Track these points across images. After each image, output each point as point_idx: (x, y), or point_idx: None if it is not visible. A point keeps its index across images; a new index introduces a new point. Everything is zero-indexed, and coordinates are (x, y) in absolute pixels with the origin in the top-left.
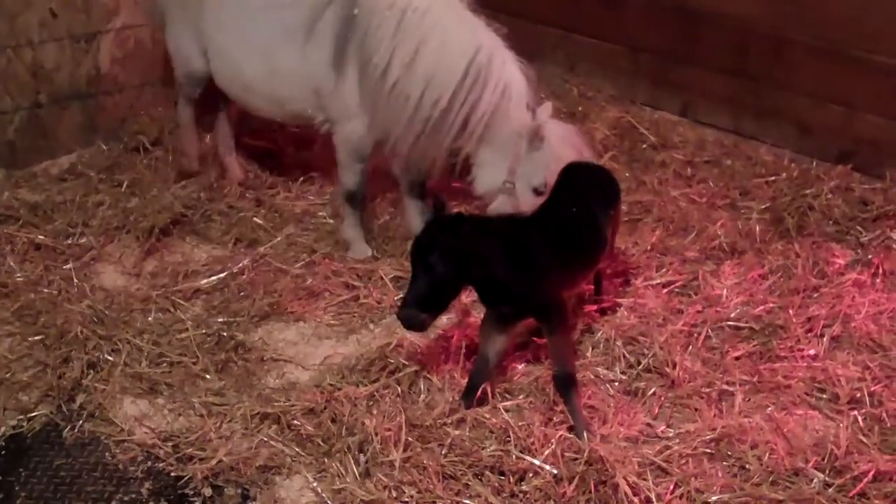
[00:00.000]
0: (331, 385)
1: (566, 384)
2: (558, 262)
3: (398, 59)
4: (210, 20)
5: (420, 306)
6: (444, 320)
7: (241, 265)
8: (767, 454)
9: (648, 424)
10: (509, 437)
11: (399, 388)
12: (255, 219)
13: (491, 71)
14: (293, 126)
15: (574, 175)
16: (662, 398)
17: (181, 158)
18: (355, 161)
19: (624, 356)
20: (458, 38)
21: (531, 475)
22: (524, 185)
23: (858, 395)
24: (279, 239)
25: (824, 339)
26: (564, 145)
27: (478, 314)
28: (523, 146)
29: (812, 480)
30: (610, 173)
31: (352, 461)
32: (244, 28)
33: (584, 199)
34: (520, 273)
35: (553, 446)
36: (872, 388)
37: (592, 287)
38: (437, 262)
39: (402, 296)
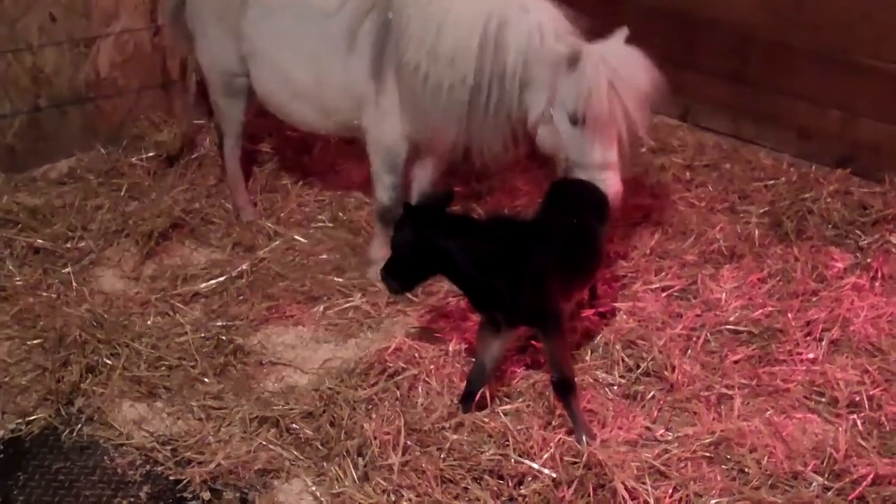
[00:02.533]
0: (329, 389)
1: (565, 390)
2: (556, 272)
3: (423, 50)
4: (254, 26)
5: (390, 271)
6: (443, 324)
7: (239, 269)
8: (766, 458)
9: (647, 428)
10: (508, 441)
11: (398, 392)
12: (253, 223)
13: (507, 33)
14: (336, 137)
15: (567, 190)
16: (661, 402)
17: (234, 212)
18: (389, 172)
19: (623, 360)
20: (468, 11)
21: (530, 479)
22: (561, 114)
23: (857, 398)
24: (278, 243)
25: (823, 342)
26: (605, 69)
27: (476, 319)
28: (562, 72)
29: (811, 484)
30: (601, 190)
31: (350, 465)
32: (292, 35)
33: (580, 212)
34: (506, 279)
35: (552, 450)
36: (871, 392)
37: (588, 292)
38: (396, 239)
39: (398, 304)
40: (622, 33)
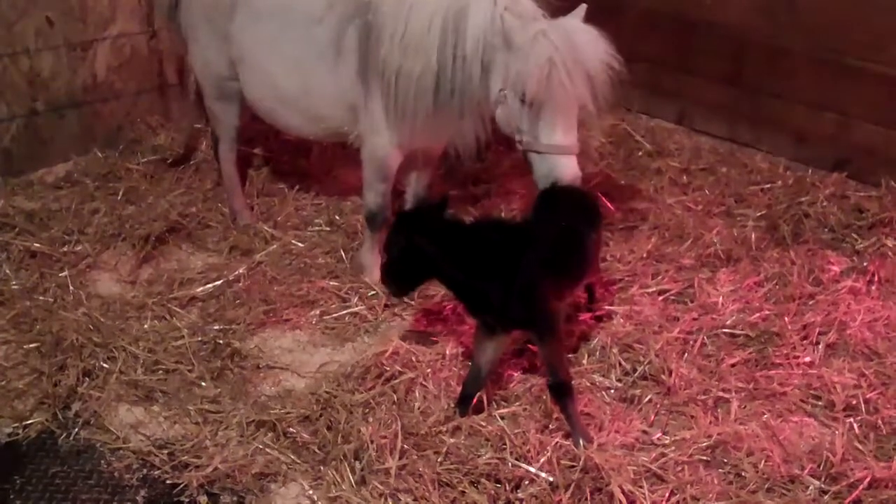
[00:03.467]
0: (326, 393)
1: (561, 393)
2: (547, 276)
3: (395, 43)
4: (242, 31)
5: (387, 274)
6: (440, 328)
7: (236, 273)
8: (763, 461)
9: (644, 432)
10: (505, 444)
11: (395, 396)
12: (250, 226)
13: (467, 15)
14: (325, 143)
15: (559, 196)
16: (658, 405)
17: (231, 216)
18: (379, 180)
19: (620, 364)
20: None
21: (527, 483)
22: (512, 95)
23: (854, 402)
24: (275, 247)
25: (820, 346)
26: (548, 46)
27: (472, 322)
28: (512, 51)
29: (808, 488)
30: (594, 197)
31: (347, 469)
32: (279, 41)
33: (570, 218)
34: (497, 283)
35: (549, 454)
36: (868, 396)
37: (586, 296)
38: (391, 245)
39: (395, 308)
40: (580, 10)
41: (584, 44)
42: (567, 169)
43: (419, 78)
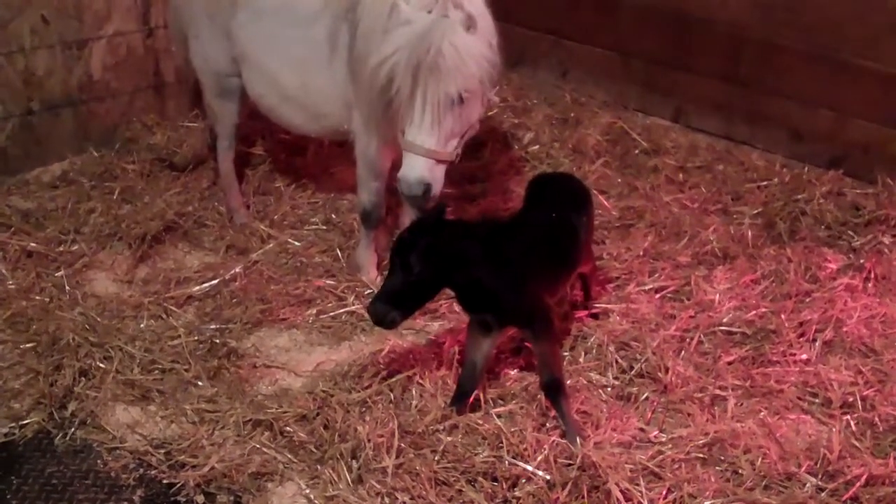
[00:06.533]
0: (323, 391)
1: (555, 391)
2: (538, 267)
3: (360, 34)
4: (244, 29)
5: (393, 303)
6: (436, 326)
7: (233, 272)
8: (760, 459)
9: (641, 429)
10: (502, 443)
11: (391, 395)
12: (247, 225)
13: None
14: (325, 141)
15: (547, 183)
16: (655, 403)
17: (228, 215)
18: (372, 178)
19: (616, 361)
20: None
21: (524, 481)
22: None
23: (851, 399)
24: (271, 246)
25: (816, 343)
26: (401, 41)
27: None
28: None
29: (805, 485)
30: (579, 180)
31: (344, 468)
32: (279, 39)
33: (559, 205)
34: (501, 279)
35: (546, 452)
36: (865, 393)
37: (582, 293)
38: (416, 262)
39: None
40: (464, 18)
41: (447, 43)
42: (412, 171)
43: (369, 64)
